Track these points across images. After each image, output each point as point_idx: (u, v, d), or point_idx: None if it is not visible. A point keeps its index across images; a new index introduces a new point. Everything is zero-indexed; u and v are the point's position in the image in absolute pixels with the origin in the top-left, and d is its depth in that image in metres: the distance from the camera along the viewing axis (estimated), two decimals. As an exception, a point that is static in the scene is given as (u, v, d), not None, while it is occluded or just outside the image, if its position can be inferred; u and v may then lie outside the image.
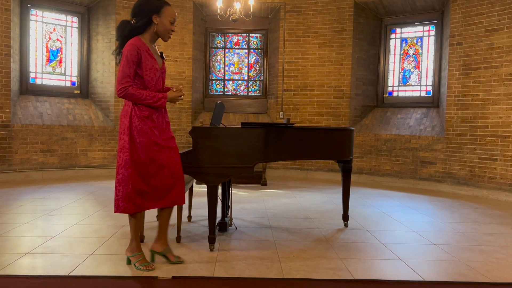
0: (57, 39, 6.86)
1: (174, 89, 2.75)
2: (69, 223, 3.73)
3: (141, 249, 2.73)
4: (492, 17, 5.65)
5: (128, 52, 2.54)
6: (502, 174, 5.53)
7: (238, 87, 7.84)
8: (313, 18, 7.21)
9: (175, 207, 2.88)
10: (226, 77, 7.83)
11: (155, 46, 2.76)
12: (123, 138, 2.61)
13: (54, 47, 6.83)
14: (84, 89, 7.07)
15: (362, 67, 7.12)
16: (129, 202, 2.58)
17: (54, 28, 6.82)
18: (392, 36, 7.15)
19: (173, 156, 2.70)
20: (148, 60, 2.60)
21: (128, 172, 2.57)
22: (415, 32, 6.92)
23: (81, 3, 6.95)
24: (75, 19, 6.99)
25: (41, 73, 6.70)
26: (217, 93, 7.82)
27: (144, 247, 3.08)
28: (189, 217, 3.96)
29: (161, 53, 2.77)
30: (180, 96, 2.76)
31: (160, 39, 2.74)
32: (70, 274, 2.54)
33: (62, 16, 6.87)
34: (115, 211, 2.63)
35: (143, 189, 2.62)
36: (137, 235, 2.72)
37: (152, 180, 2.63)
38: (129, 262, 2.72)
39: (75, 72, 7.02)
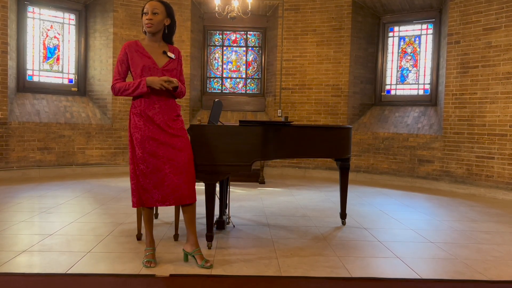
0: (54, 37, 6.83)
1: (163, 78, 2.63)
2: (66, 221, 3.72)
3: (153, 244, 2.75)
4: (490, 15, 5.65)
5: (119, 53, 2.73)
6: (499, 172, 5.54)
7: (236, 85, 7.83)
8: (311, 16, 7.20)
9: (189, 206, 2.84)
10: (224, 75, 7.82)
11: (166, 45, 2.77)
12: (128, 134, 2.75)
13: (51, 45, 6.81)
14: (81, 87, 7.04)
15: (360, 65, 7.12)
16: (135, 197, 2.69)
17: (52, 25, 6.79)
18: (390, 34, 7.15)
19: (176, 153, 2.66)
20: (135, 58, 2.68)
21: (131, 168, 2.70)
22: (413, 30, 6.92)
23: (79, 1, 6.91)
24: (72, 16, 6.96)
25: (38, 70, 6.67)
26: (215, 91, 7.81)
27: (142, 245, 3.08)
28: (187, 215, 3.96)
29: (164, 52, 2.73)
30: (166, 82, 2.59)
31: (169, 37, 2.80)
32: (67, 272, 2.54)
33: (59, 13, 6.84)
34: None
35: (145, 185, 2.65)
36: (149, 230, 2.75)
37: (153, 176, 2.64)
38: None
39: (72, 69, 6.99)
